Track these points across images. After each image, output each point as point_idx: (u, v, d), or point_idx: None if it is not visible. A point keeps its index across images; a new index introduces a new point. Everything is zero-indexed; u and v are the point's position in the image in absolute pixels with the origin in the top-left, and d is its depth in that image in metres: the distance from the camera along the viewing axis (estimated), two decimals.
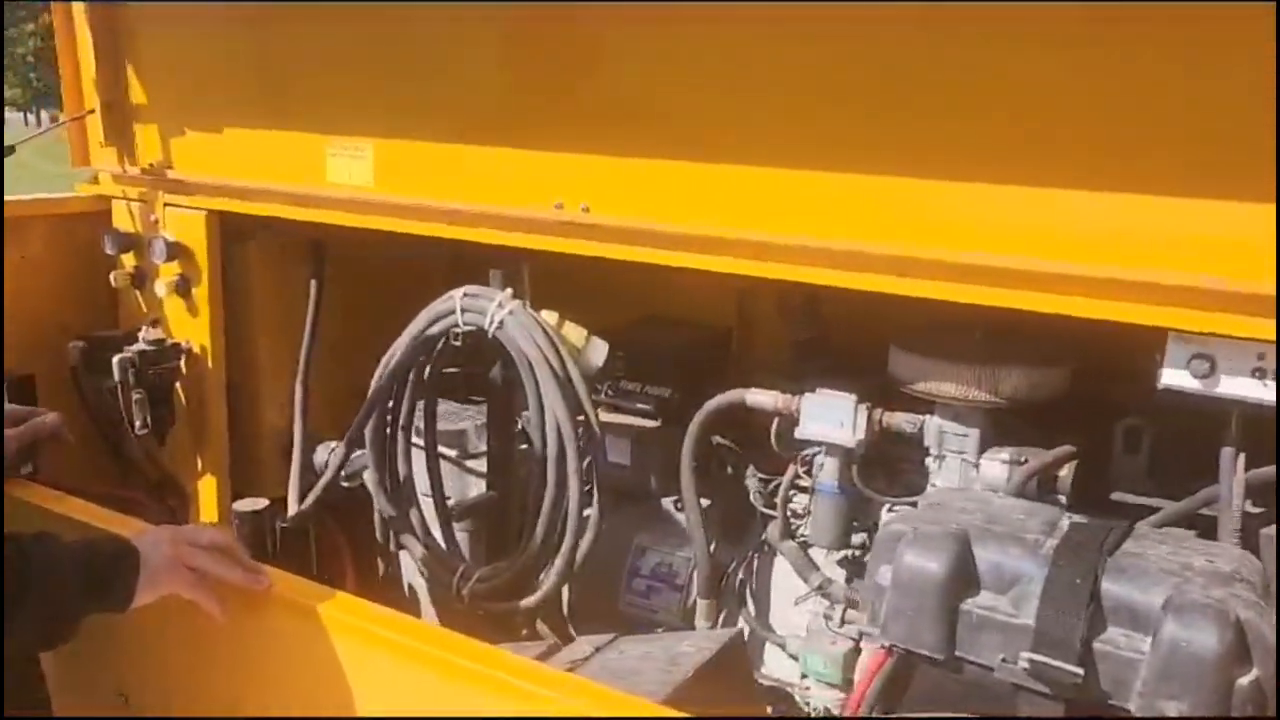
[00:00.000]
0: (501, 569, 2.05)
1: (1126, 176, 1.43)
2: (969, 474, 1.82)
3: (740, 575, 2.17)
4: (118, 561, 1.46)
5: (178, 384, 2.49)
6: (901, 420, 1.88)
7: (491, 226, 1.99)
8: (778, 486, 2.10)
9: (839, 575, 2.03)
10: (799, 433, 1.94)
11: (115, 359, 2.36)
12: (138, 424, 2.40)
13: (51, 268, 2.55)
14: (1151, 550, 1.36)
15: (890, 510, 1.96)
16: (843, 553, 2.04)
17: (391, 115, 2.06)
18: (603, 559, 2.05)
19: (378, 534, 2.27)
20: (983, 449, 1.81)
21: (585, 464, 1.93)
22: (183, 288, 2.44)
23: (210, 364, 2.48)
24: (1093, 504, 1.71)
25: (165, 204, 2.46)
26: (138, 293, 2.55)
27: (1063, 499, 1.74)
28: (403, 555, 2.32)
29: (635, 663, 1.64)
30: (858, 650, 1.92)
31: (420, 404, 2.15)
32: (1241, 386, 1.43)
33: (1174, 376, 1.46)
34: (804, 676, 2.01)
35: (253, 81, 2.27)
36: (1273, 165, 1.30)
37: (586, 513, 1.95)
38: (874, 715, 1.43)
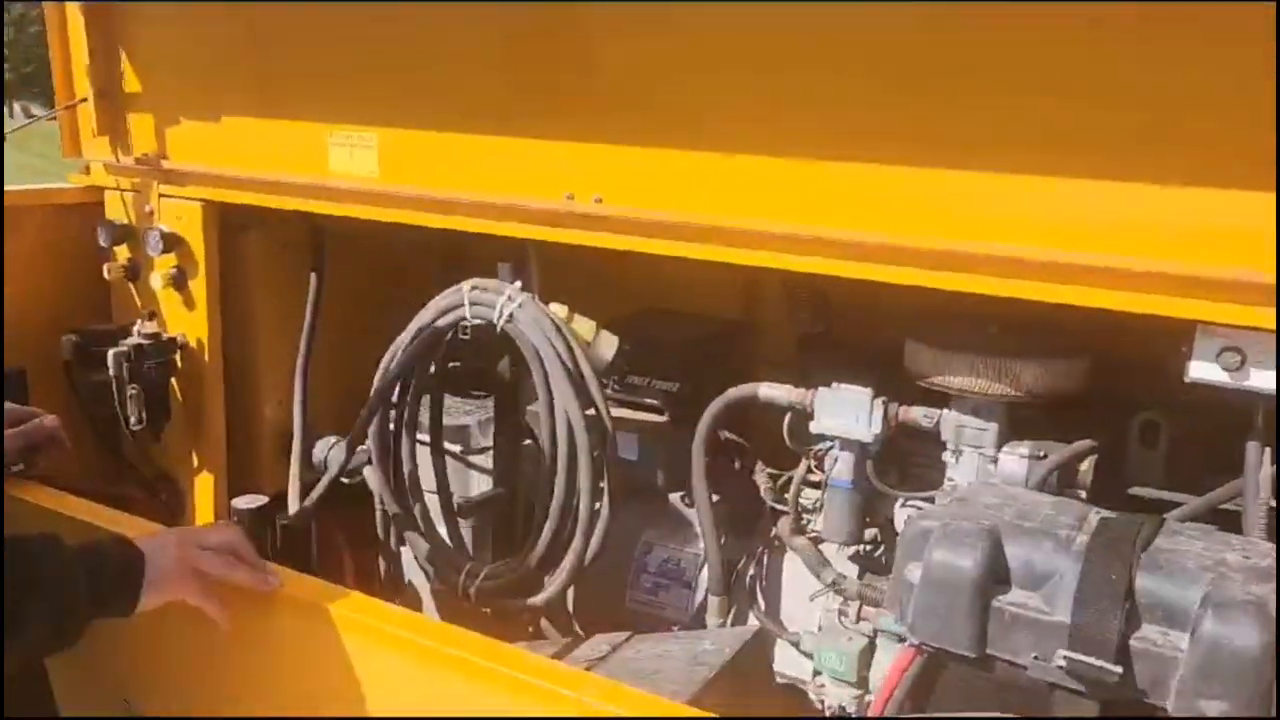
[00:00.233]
0: (510, 566, 2.02)
1: (1153, 166, 1.42)
2: (986, 469, 1.81)
3: (750, 571, 2.14)
4: (123, 566, 1.43)
5: (174, 379, 2.44)
6: (918, 414, 1.86)
7: (500, 218, 1.95)
8: (787, 482, 2.08)
9: (851, 571, 2.02)
10: (814, 427, 1.91)
11: (111, 353, 2.31)
12: (133, 420, 2.36)
13: (42, 260, 2.49)
14: (1185, 545, 1.34)
15: (904, 505, 1.94)
16: (855, 548, 2.02)
17: (398, 103, 2.01)
18: (609, 556, 2.02)
19: (378, 530, 2.24)
20: (1001, 443, 1.79)
21: (595, 459, 1.90)
22: (179, 280, 2.39)
23: (207, 358, 2.43)
24: (1109, 499, 1.70)
25: (160, 194, 2.41)
26: (132, 285, 2.50)
27: (1082, 494, 1.73)
28: (402, 552, 2.28)
29: (655, 662, 1.62)
30: (873, 647, 1.90)
31: (425, 399, 2.11)
32: (1270, 380, 1.41)
33: (1202, 369, 1.44)
34: (816, 674, 1.98)
35: (251, 68, 2.22)
36: None
37: (595, 507, 1.92)
38: (904, 715, 1.41)
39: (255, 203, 2.27)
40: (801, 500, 2.07)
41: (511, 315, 1.91)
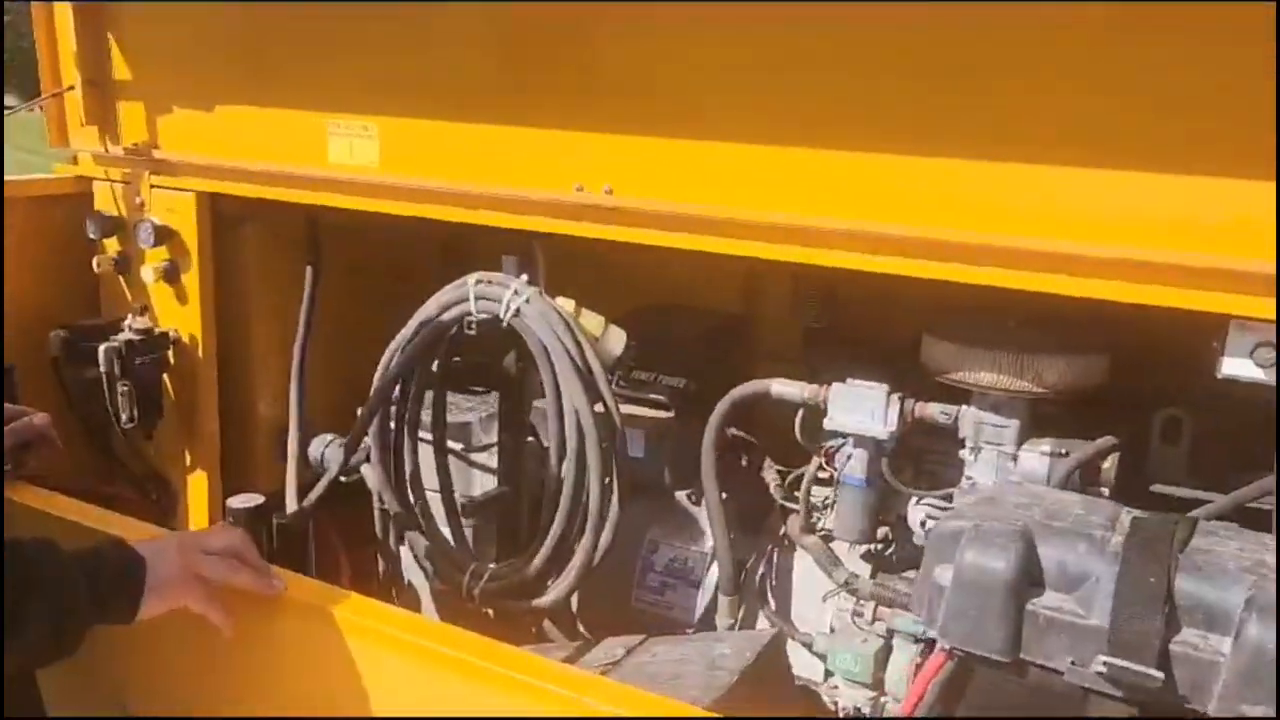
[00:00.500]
0: (515, 566, 1.97)
1: (1184, 158, 1.38)
2: (1006, 466, 1.77)
3: (760, 571, 2.10)
4: (123, 569, 1.37)
5: (166, 375, 2.38)
6: (935, 411, 1.82)
7: (506, 210, 1.90)
8: (796, 479, 2.04)
9: (863, 570, 1.98)
10: (828, 424, 1.87)
11: (101, 348, 2.24)
12: (124, 417, 2.29)
13: (29, 252, 2.41)
14: (1221, 546, 1.31)
15: (919, 504, 1.90)
16: (866, 547, 1.98)
17: (400, 91, 1.95)
18: (614, 555, 1.98)
19: (377, 529, 2.19)
20: (1021, 440, 1.75)
21: (604, 458, 1.86)
22: (171, 274, 2.33)
23: (200, 354, 2.37)
24: (1131, 496, 1.66)
25: (151, 185, 2.34)
26: (122, 279, 2.42)
27: (1105, 492, 1.69)
28: (401, 552, 2.23)
29: (673, 666, 1.57)
30: (889, 648, 1.87)
31: (427, 396, 2.06)
32: None
33: (1235, 366, 1.41)
34: (829, 675, 1.95)
35: (247, 54, 2.16)
36: None
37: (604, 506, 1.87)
38: (933, 716, 1.37)
39: (251, 194, 2.21)
40: (810, 498, 2.03)
41: (518, 310, 1.86)
